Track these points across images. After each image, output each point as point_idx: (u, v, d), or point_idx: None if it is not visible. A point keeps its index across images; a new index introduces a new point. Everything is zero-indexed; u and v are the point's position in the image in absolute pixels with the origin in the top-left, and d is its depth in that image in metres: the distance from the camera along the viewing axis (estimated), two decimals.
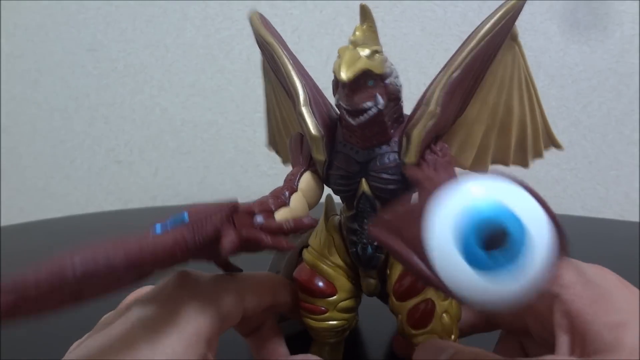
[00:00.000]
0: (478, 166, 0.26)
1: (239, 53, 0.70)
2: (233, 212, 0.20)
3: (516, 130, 0.26)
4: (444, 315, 0.24)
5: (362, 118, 0.21)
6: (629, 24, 0.69)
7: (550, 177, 0.71)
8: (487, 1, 0.68)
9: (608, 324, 0.18)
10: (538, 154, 0.28)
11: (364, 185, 0.23)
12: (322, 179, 0.25)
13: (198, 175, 0.74)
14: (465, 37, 0.22)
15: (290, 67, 0.24)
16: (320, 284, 0.25)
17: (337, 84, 0.22)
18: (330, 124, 0.24)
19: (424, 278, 0.16)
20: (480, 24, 0.23)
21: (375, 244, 0.24)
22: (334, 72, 0.20)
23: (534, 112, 0.27)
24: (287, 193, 0.23)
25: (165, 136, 0.74)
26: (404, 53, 0.69)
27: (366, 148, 0.23)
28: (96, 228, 0.63)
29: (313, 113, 0.23)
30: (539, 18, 0.69)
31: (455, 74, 0.22)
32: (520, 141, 0.27)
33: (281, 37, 0.25)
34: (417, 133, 0.22)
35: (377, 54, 0.21)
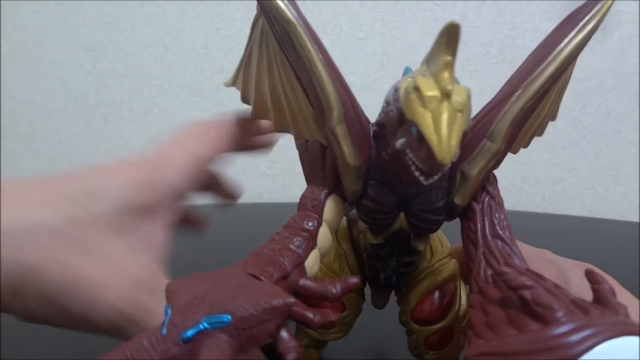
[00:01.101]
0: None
1: (238, 53, 0.70)
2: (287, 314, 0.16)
3: (541, 118, 0.23)
4: (460, 335, 0.23)
5: (436, 177, 0.17)
6: (628, 24, 0.69)
7: (550, 177, 0.71)
8: (486, 1, 0.68)
9: None
10: (539, 133, 0.25)
11: (402, 222, 0.20)
12: (348, 205, 0.20)
13: None
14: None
15: (320, 66, 0.18)
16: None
17: (404, 120, 0.16)
18: (367, 144, 0.19)
19: None
20: (559, 31, 0.19)
21: (401, 272, 0.22)
22: (417, 126, 0.15)
23: (557, 101, 0.24)
24: (311, 224, 0.19)
25: (164, 136, 0.74)
26: (403, 53, 0.69)
27: (413, 184, 0.19)
28: None
29: (350, 134, 0.18)
30: (538, 18, 0.69)
31: (529, 104, 0.18)
32: (536, 127, 0.24)
33: (304, 16, 0.20)
34: (477, 173, 0.19)
35: (469, 103, 0.16)
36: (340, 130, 0.18)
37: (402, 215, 0.20)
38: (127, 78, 0.75)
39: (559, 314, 0.13)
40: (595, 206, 0.71)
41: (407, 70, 0.21)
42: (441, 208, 0.19)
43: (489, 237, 0.18)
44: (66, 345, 0.36)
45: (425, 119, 0.15)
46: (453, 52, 0.16)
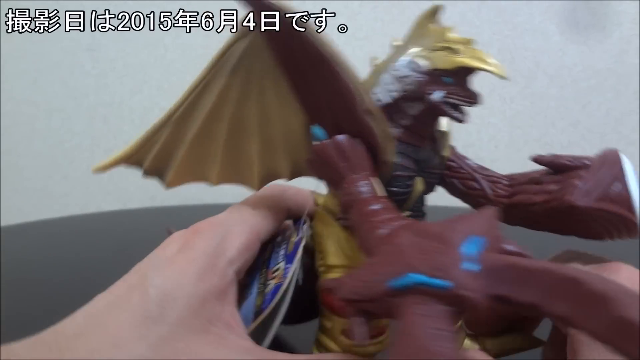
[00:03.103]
0: None
1: None
2: None
3: None
4: None
5: (466, 118, 0.22)
6: (628, 24, 0.69)
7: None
8: (486, 1, 0.69)
9: None
10: None
11: (420, 184, 0.23)
12: (383, 183, 0.22)
13: None
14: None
15: (347, 66, 0.21)
16: None
17: (434, 78, 0.21)
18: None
19: (631, 228, 0.20)
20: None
21: None
22: (468, 65, 0.21)
23: None
24: (382, 206, 0.20)
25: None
26: None
27: (421, 147, 0.23)
28: (95, 228, 0.63)
29: (380, 111, 0.22)
30: (537, 18, 0.69)
31: None
32: None
33: None
34: (449, 128, 0.24)
35: None
36: (375, 109, 0.21)
37: (419, 179, 0.23)
38: (127, 78, 0.75)
39: (585, 161, 0.22)
40: None
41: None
42: (439, 163, 0.24)
43: (476, 169, 0.24)
44: None
45: (471, 60, 0.20)
46: (433, 21, 0.22)
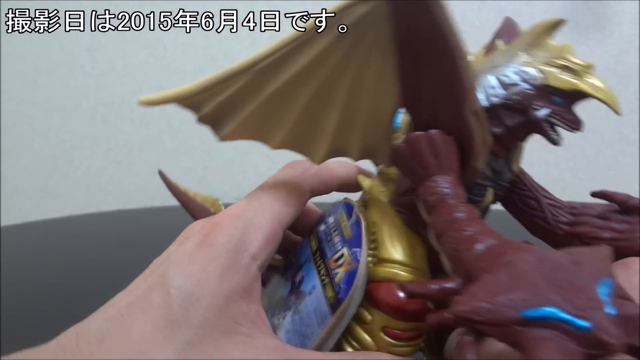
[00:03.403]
0: None
1: (237, 53, 0.70)
2: None
3: None
4: None
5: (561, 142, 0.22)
6: (627, 24, 0.69)
7: (550, 177, 0.71)
8: (486, 1, 0.68)
9: None
10: None
11: (490, 196, 0.22)
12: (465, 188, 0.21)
13: (197, 175, 0.74)
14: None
15: (465, 61, 0.19)
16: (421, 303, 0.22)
17: (542, 94, 0.21)
18: None
19: None
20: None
21: None
22: (587, 92, 0.21)
23: None
24: (466, 214, 0.20)
25: (164, 136, 0.74)
26: None
27: (501, 158, 0.22)
28: (95, 228, 0.63)
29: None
30: (537, 18, 0.69)
31: None
32: None
33: None
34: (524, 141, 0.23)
35: None
36: (482, 111, 0.20)
37: (491, 190, 0.22)
38: (127, 78, 0.75)
39: None
40: None
41: None
42: (508, 177, 0.23)
43: (538, 189, 0.23)
44: None
45: (590, 88, 0.21)
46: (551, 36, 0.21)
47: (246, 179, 0.73)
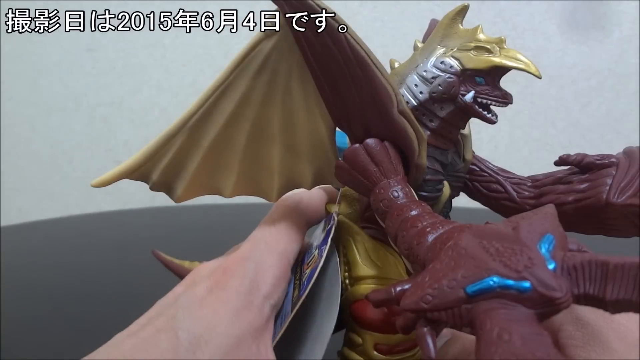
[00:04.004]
0: None
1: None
2: None
3: None
4: None
5: (496, 119, 0.22)
6: (627, 25, 0.69)
7: None
8: (486, 1, 0.69)
9: None
10: None
11: (448, 188, 0.23)
12: (415, 186, 0.22)
13: None
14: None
15: (378, 63, 0.20)
16: None
17: (464, 78, 0.21)
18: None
19: None
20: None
21: None
22: (503, 65, 0.20)
23: None
24: (420, 210, 0.20)
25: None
26: (403, 53, 0.69)
27: (446, 150, 0.22)
28: (95, 228, 0.63)
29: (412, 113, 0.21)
30: (537, 18, 0.69)
31: None
32: None
33: None
34: (470, 132, 0.24)
35: None
36: (408, 110, 0.21)
37: (447, 183, 0.23)
38: (127, 78, 0.75)
39: (613, 158, 0.22)
40: None
41: None
42: (462, 167, 0.23)
43: (499, 172, 0.23)
44: (67, 345, 0.37)
45: (506, 60, 0.20)
46: (462, 22, 0.22)
47: None
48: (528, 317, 0.13)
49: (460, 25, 0.22)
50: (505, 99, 0.21)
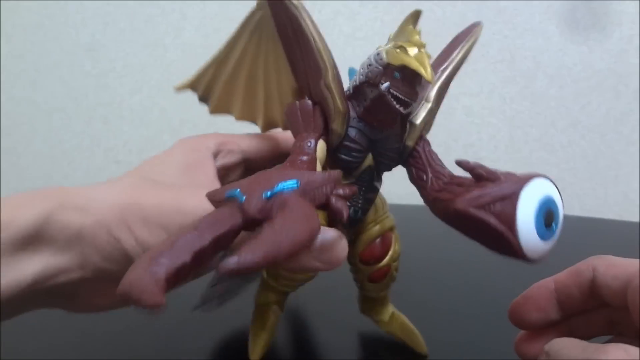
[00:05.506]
0: None
1: None
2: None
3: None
4: (393, 272, 0.32)
5: (410, 109, 0.26)
6: (627, 24, 0.69)
7: (550, 177, 0.71)
8: (486, 1, 0.69)
9: None
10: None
11: (370, 159, 0.27)
12: (331, 149, 0.27)
13: None
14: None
15: (320, 41, 0.25)
16: None
17: (387, 71, 0.25)
18: (346, 100, 0.27)
19: (510, 246, 0.22)
20: (458, 43, 0.30)
21: (365, 207, 0.29)
22: (406, 64, 0.24)
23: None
24: (305, 158, 0.25)
25: (164, 136, 0.74)
26: None
27: (379, 128, 0.26)
28: None
29: (339, 88, 0.26)
30: (537, 18, 0.69)
31: (445, 80, 0.28)
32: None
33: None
34: (420, 123, 0.27)
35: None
36: (334, 85, 0.25)
37: (370, 155, 0.27)
38: (127, 78, 0.75)
39: (502, 176, 0.23)
40: (594, 206, 0.72)
41: (350, 71, 0.31)
42: (397, 149, 0.27)
43: (432, 164, 0.27)
44: (67, 345, 0.37)
45: (412, 61, 0.24)
46: (416, 25, 0.26)
47: None
48: (234, 217, 0.19)
49: (410, 26, 0.25)
50: (408, 97, 0.25)
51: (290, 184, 0.20)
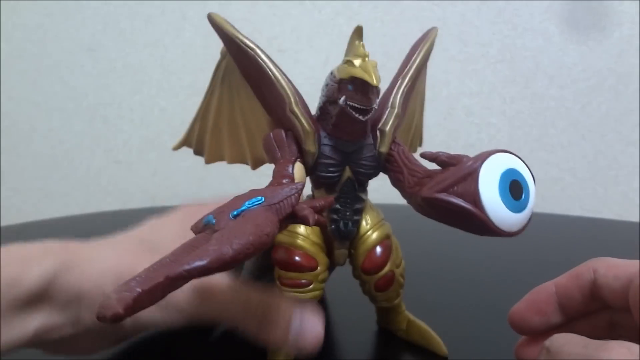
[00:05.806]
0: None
1: None
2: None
3: (412, 129, 0.36)
4: (399, 277, 0.32)
5: (369, 115, 0.26)
6: (627, 24, 0.69)
7: (549, 177, 0.71)
8: (486, 1, 0.69)
9: None
10: (414, 149, 0.37)
11: (348, 172, 0.29)
12: (309, 169, 0.28)
13: (197, 175, 0.74)
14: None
15: (278, 72, 0.28)
16: (300, 259, 0.30)
17: (341, 86, 0.26)
18: (314, 121, 0.28)
19: (481, 222, 0.23)
20: (416, 48, 0.32)
21: (354, 219, 0.30)
22: (353, 75, 0.25)
23: (421, 116, 0.37)
24: (285, 182, 0.26)
25: (164, 136, 0.74)
26: (402, 53, 0.69)
27: (351, 141, 0.28)
28: (95, 228, 0.63)
29: (304, 112, 0.28)
30: (537, 18, 0.69)
31: (409, 85, 0.30)
32: (412, 135, 0.37)
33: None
34: (389, 129, 0.29)
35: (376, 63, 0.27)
36: (297, 110, 0.27)
37: (347, 167, 0.28)
38: (127, 78, 0.75)
39: (464, 158, 0.24)
40: (594, 206, 0.72)
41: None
42: (372, 157, 0.29)
43: (407, 164, 0.28)
44: None
45: (358, 70, 0.25)
46: (361, 39, 0.27)
47: (246, 178, 0.73)
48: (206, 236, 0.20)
49: (356, 42, 0.27)
50: (365, 104, 0.26)
51: (255, 200, 0.22)
